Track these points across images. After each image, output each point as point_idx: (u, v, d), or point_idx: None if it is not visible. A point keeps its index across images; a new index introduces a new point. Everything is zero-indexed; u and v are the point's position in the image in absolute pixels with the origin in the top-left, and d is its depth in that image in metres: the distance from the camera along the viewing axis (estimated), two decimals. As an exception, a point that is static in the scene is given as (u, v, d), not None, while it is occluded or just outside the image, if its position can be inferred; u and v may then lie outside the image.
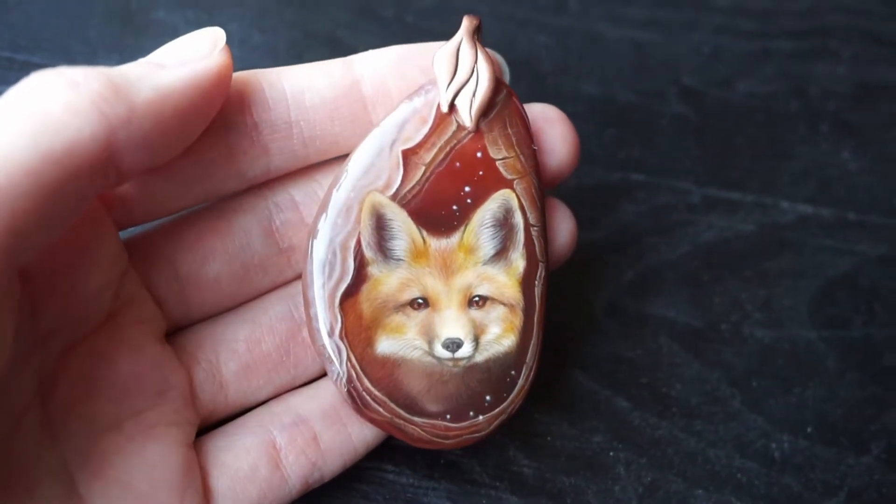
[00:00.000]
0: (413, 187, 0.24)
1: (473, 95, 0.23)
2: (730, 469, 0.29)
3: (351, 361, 0.24)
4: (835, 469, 0.29)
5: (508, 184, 0.24)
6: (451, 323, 0.24)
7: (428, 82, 0.24)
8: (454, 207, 0.24)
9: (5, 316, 0.18)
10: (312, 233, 0.24)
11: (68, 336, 0.22)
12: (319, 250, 0.24)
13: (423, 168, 0.24)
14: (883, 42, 0.38)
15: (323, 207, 0.24)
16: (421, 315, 0.24)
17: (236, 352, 0.25)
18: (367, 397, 0.24)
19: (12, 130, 0.18)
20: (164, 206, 0.24)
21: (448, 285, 0.24)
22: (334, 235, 0.24)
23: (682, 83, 0.36)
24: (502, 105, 0.24)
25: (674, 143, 0.35)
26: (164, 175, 0.23)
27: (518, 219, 0.24)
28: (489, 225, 0.24)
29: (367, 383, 0.24)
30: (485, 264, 0.24)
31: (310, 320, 0.24)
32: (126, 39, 0.34)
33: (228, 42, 0.22)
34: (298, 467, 0.25)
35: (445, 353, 0.24)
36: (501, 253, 0.24)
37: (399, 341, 0.24)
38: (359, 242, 0.24)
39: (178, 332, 0.25)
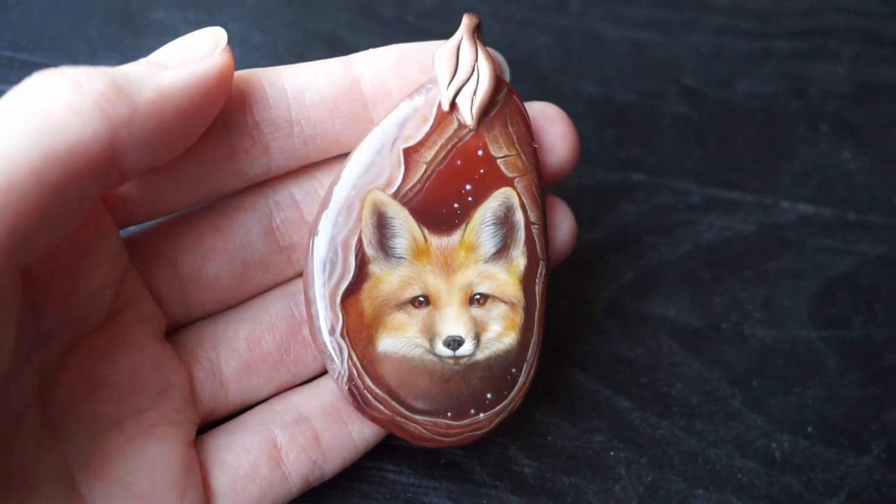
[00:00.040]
0: (414, 185, 0.24)
1: (474, 94, 0.24)
2: (730, 469, 0.29)
3: (352, 359, 0.24)
4: (835, 469, 0.29)
5: (509, 182, 0.24)
6: (453, 321, 0.24)
7: (428, 81, 0.24)
8: (455, 205, 0.24)
9: (7, 316, 0.18)
10: (313, 231, 0.24)
11: (69, 335, 0.22)
12: (320, 248, 0.24)
13: (425, 166, 0.24)
14: (883, 42, 0.38)
15: (324, 206, 0.24)
16: (422, 313, 0.24)
17: (237, 350, 0.25)
18: (369, 395, 0.24)
19: (15, 130, 0.18)
20: (165, 205, 0.24)
21: (449, 283, 0.24)
22: (336, 234, 0.24)
23: (683, 83, 0.36)
24: (503, 103, 0.24)
25: (674, 142, 0.35)
26: (165, 174, 0.23)
27: (519, 217, 0.24)
28: (490, 223, 0.24)
29: (368, 381, 0.24)
30: (486, 262, 0.24)
31: (311, 318, 0.24)
32: (126, 39, 0.34)
33: (229, 42, 0.22)
34: (299, 466, 0.25)
35: (446, 351, 0.24)
36: (502, 251, 0.24)
37: (400, 339, 0.24)
38: (360, 241, 0.24)
39: (179, 330, 0.25)
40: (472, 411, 0.24)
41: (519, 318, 0.25)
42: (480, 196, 0.24)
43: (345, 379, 0.24)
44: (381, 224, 0.24)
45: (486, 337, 0.24)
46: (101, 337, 0.23)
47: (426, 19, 0.36)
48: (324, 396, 0.25)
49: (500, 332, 0.24)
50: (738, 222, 0.34)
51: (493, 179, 0.24)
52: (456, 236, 0.24)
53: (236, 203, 0.25)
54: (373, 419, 0.24)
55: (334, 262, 0.24)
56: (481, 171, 0.24)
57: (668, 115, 0.36)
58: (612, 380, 0.30)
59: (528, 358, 0.25)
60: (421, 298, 0.24)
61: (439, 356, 0.24)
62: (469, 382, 0.24)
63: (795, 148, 0.36)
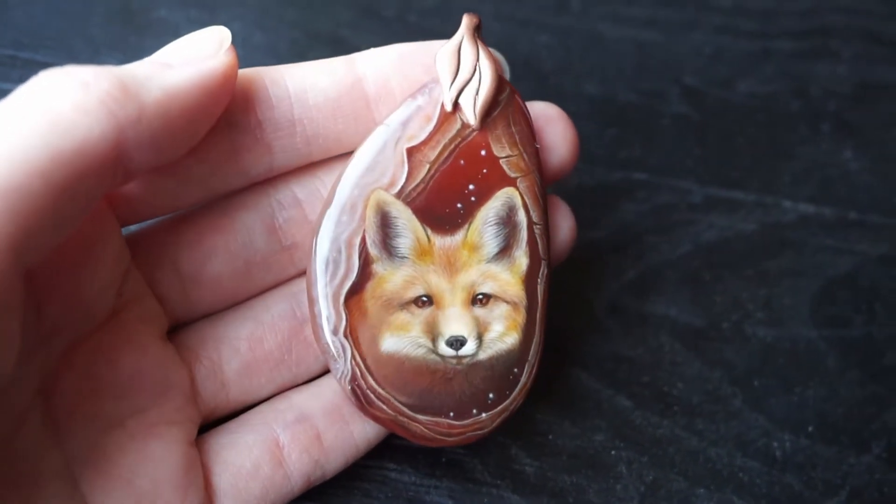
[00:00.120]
0: (418, 185, 0.24)
1: (477, 93, 0.24)
2: (731, 468, 0.29)
3: (355, 359, 0.24)
4: (836, 468, 0.29)
5: (512, 182, 0.24)
6: (455, 321, 0.24)
7: (431, 80, 0.24)
8: (458, 205, 0.24)
9: (13, 315, 0.18)
10: (317, 230, 0.24)
11: (71, 334, 0.22)
12: (324, 248, 0.24)
13: (428, 166, 0.24)
14: (883, 42, 0.38)
15: (327, 205, 0.24)
16: (425, 313, 0.24)
17: (238, 350, 0.25)
18: (371, 395, 0.24)
19: (23, 130, 0.18)
20: (168, 204, 0.24)
21: (452, 283, 0.24)
22: (339, 233, 0.24)
23: (684, 83, 0.36)
24: (505, 103, 0.24)
25: (675, 142, 0.35)
26: (168, 173, 0.23)
27: (521, 217, 0.24)
28: (493, 223, 0.24)
29: (371, 381, 0.24)
30: (488, 262, 0.24)
31: (314, 318, 0.24)
32: (128, 38, 0.34)
33: (230, 41, 0.22)
34: (301, 465, 0.25)
35: (449, 351, 0.24)
36: (505, 251, 0.24)
37: (403, 339, 0.24)
38: (363, 240, 0.24)
39: (180, 329, 0.25)
40: (475, 411, 0.25)
41: (521, 317, 0.25)
42: (483, 196, 0.24)
43: (348, 378, 0.24)
44: (385, 224, 0.24)
45: (488, 337, 0.24)
46: (103, 336, 0.23)
47: (427, 19, 0.36)
48: (326, 396, 0.25)
49: (502, 332, 0.25)
50: (738, 222, 0.34)
51: (496, 179, 0.24)
52: (459, 236, 0.24)
53: (238, 202, 0.25)
54: (375, 419, 0.24)
55: (338, 262, 0.24)
56: (484, 170, 0.24)
57: (668, 114, 0.36)
58: (613, 379, 0.30)
59: (529, 357, 0.25)
60: (424, 298, 0.24)
61: (442, 356, 0.24)
62: (471, 382, 0.24)
63: (796, 148, 0.36)
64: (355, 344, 0.24)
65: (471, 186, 0.24)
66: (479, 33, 0.24)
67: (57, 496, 0.21)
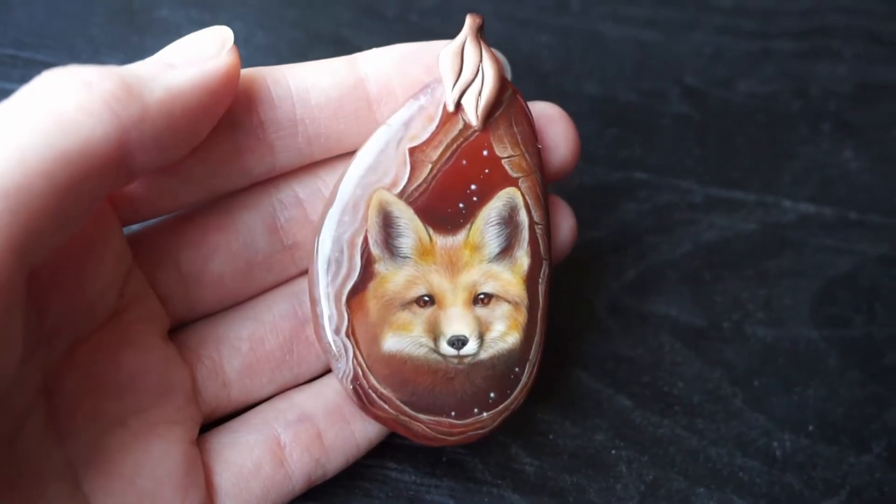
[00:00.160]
0: (420, 185, 0.24)
1: (479, 94, 0.24)
2: (731, 467, 0.29)
3: (357, 359, 0.24)
4: (836, 467, 0.29)
5: (514, 182, 0.24)
6: (457, 320, 0.24)
7: (433, 80, 0.24)
8: (460, 205, 0.24)
9: (16, 316, 0.18)
10: (319, 230, 0.24)
11: (73, 334, 0.22)
12: (326, 248, 0.24)
13: (430, 166, 0.24)
14: (883, 42, 0.38)
15: (329, 204, 0.24)
16: (427, 312, 0.24)
17: (239, 350, 0.25)
18: (373, 394, 0.24)
19: (27, 131, 0.18)
20: (169, 204, 0.24)
21: (454, 283, 0.24)
22: (341, 233, 0.24)
23: (684, 83, 0.36)
24: (508, 104, 0.24)
25: (675, 142, 0.35)
26: (170, 172, 0.23)
27: (523, 217, 0.24)
28: (494, 223, 0.24)
29: (372, 380, 0.24)
30: (490, 262, 0.24)
31: (316, 317, 0.24)
32: (129, 37, 0.34)
33: (231, 41, 0.22)
34: (302, 464, 0.25)
35: (451, 351, 0.24)
36: (507, 251, 0.24)
37: (405, 339, 0.24)
38: (366, 240, 0.24)
39: (182, 329, 0.25)
40: (476, 410, 0.25)
41: (522, 317, 0.25)
42: (485, 196, 0.24)
43: (349, 378, 0.24)
44: (387, 223, 0.24)
45: (489, 336, 0.24)
46: (105, 335, 0.23)
47: (428, 18, 0.36)
48: (327, 395, 0.25)
49: (503, 332, 0.25)
50: (739, 222, 0.34)
51: (497, 179, 0.24)
52: (461, 236, 0.24)
53: (240, 202, 0.25)
54: (377, 418, 0.24)
55: (340, 262, 0.24)
56: (486, 171, 0.24)
57: (669, 114, 0.36)
58: (614, 379, 0.30)
59: (530, 357, 0.25)
60: (426, 298, 0.24)
61: (443, 355, 0.24)
62: (473, 381, 0.24)
63: (796, 148, 0.36)
64: (357, 343, 0.24)
65: (473, 186, 0.24)
66: (481, 34, 0.24)
67: (59, 496, 0.21)
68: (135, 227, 0.25)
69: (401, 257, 0.24)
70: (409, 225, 0.24)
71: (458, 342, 0.24)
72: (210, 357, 0.25)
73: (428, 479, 0.28)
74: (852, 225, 0.34)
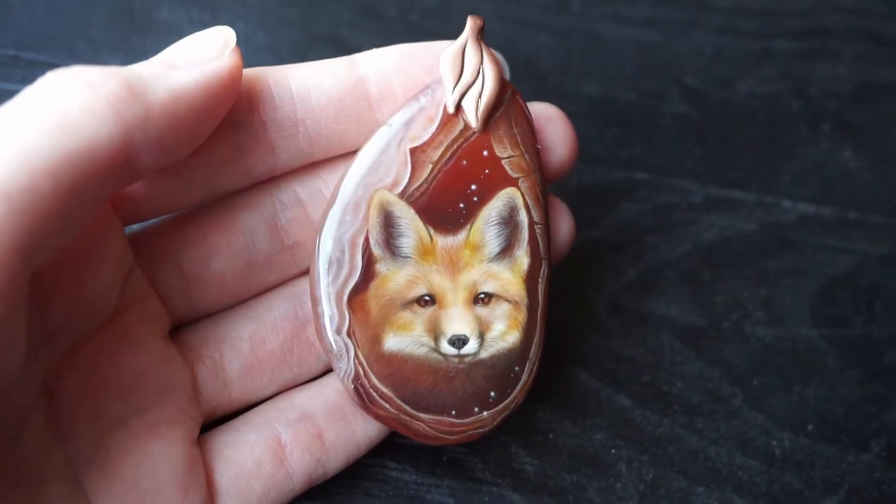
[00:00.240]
0: (420, 185, 0.24)
1: (479, 97, 0.24)
2: (731, 467, 0.29)
3: (358, 358, 0.24)
4: (835, 467, 0.29)
5: (513, 182, 0.24)
6: (457, 320, 0.24)
7: (434, 81, 0.24)
8: (461, 205, 0.24)
9: (20, 317, 0.18)
10: (320, 230, 0.24)
11: (74, 334, 0.22)
12: (327, 248, 0.24)
13: (431, 166, 0.24)
14: (883, 42, 0.38)
15: (331, 204, 0.24)
16: (428, 312, 0.24)
17: (240, 350, 0.25)
18: (374, 394, 0.24)
19: (31, 132, 0.18)
20: (171, 204, 0.24)
21: (454, 282, 0.24)
22: (343, 233, 0.24)
23: (684, 83, 0.36)
24: (507, 105, 0.24)
25: (675, 142, 0.35)
26: (171, 173, 0.23)
27: (523, 216, 0.24)
28: (495, 223, 0.24)
29: (374, 380, 0.24)
30: (490, 261, 0.24)
31: (317, 317, 0.24)
32: (130, 38, 0.34)
33: (232, 41, 0.22)
34: (303, 464, 0.25)
35: (451, 350, 0.24)
36: (507, 250, 0.25)
37: (406, 338, 0.24)
38: (367, 240, 0.24)
39: (183, 329, 0.25)
40: (476, 409, 0.25)
41: (522, 316, 0.25)
42: (485, 196, 0.24)
43: (350, 377, 0.24)
44: (388, 223, 0.24)
45: (490, 336, 0.24)
46: (106, 335, 0.23)
47: (428, 18, 0.36)
48: (328, 395, 0.25)
49: (503, 331, 0.25)
50: (739, 221, 0.34)
51: (498, 179, 0.24)
52: (461, 236, 0.24)
53: (241, 202, 0.25)
54: (378, 417, 0.24)
55: (341, 262, 0.24)
56: (486, 171, 0.24)
57: (669, 114, 0.36)
58: (614, 378, 0.30)
59: (530, 356, 0.25)
60: (426, 297, 0.24)
61: (444, 355, 0.24)
62: (473, 381, 0.24)
63: (796, 147, 0.36)
64: (358, 343, 0.24)
65: (473, 186, 0.24)
66: (482, 36, 0.24)
67: (59, 495, 0.21)
68: (136, 226, 0.25)
69: (402, 257, 0.24)
70: (410, 225, 0.24)
71: (459, 341, 0.24)
72: (211, 357, 0.25)
73: (428, 478, 0.28)
74: (852, 225, 0.34)
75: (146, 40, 0.34)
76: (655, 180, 0.34)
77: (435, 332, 0.24)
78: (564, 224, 0.27)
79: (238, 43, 0.22)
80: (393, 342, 0.24)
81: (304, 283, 0.26)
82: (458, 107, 0.24)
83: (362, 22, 0.36)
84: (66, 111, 0.18)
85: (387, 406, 0.24)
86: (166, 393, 0.24)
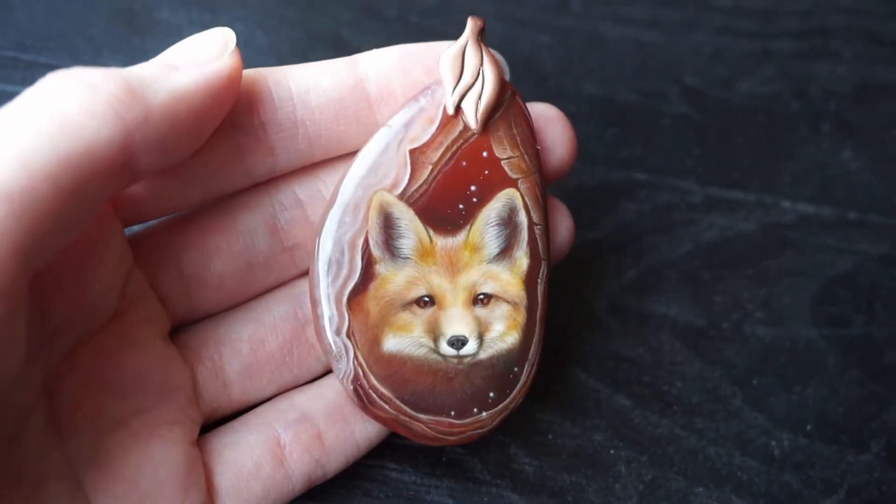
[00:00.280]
0: (420, 186, 0.24)
1: (479, 98, 0.24)
2: (730, 467, 0.29)
3: (358, 359, 0.24)
4: (835, 467, 0.29)
5: (513, 183, 0.24)
6: (457, 321, 0.24)
7: (433, 82, 0.24)
8: (460, 206, 0.24)
9: (20, 318, 0.18)
10: (319, 231, 0.24)
11: (74, 335, 0.22)
12: (327, 249, 0.24)
13: (430, 167, 0.24)
14: (883, 42, 0.38)
15: (330, 206, 0.24)
16: (427, 313, 0.24)
17: (240, 351, 0.25)
18: (374, 395, 0.24)
19: (31, 133, 0.18)
20: (170, 205, 0.24)
21: (454, 283, 0.24)
22: (342, 234, 0.24)
23: (684, 83, 0.36)
24: (507, 106, 0.24)
25: (675, 142, 0.35)
26: (171, 174, 0.23)
27: (522, 217, 0.24)
28: (494, 223, 0.24)
29: (373, 381, 0.24)
30: (490, 262, 0.24)
31: (316, 318, 0.24)
32: (130, 39, 0.34)
33: (232, 42, 0.22)
34: (302, 464, 0.25)
35: (450, 351, 0.24)
36: (506, 251, 0.25)
37: (405, 339, 0.24)
38: (366, 241, 0.24)
39: (183, 330, 0.25)
40: (475, 410, 0.25)
41: (521, 317, 0.25)
42: (485, 197, 0.24)
43: (350, 378, 0.24)
44: (388, 225, 0.24)
45: (489, 336, 0.25)
46: (106, 336, 0.23)
47: (428, 19, 0.36)
48: (327, 396, 0.25)
49: (502, 332, 0.25)
50: (739, 222, 0.34)
51: (497, 180, 0.24)
52: (461, 237, 0.24)
53: (240, 203, 0.25)
54: (377, 418, 0.24)
55: (340, 263, 0.24)
56: (486, 172, 0.24)
57: (669, 114, 0.36)
58: (613, 378, 0.30)
59: (529, 357, 0.25)
60: (426, 298, 0.24)
61: (443, 355, 0.24)
62: (472, 381, 0.24)
63: (796, 148, 0.36)
64: (357, 344, 0.24)
65: (472, 188, 0.24)
66: (482, 37, 0.24)
67: (59, 496, 0.21)
68: (136, 228, 0.25)
69: (401, 258, 0.24)
70: (410, 226, 0.24)
71: (458, 342, 0.24)
72: (211, 358, 0.25)
73: (428, 478, 0.28)
74: (852, 225, 0.34)
75: (147, 41, 0.34)
76: (655, 180, 0.34)
77: (434, 333, 0.24)
78: (564, 225, 0.27)
79: (238, 44, 0.22)
80: (392, 343, 0.24)
81: (303, 285, 0.26)
82: (458, 108, 0.24)
83: (362, 22, 0.36)
84: (66, 113, 0.18)
85: (386, 407, 0.24)
86: (166, 394, 0.24)
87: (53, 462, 0.21)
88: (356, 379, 0.24)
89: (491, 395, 0.25)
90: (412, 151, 0.24)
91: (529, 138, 0.25)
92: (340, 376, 0.24)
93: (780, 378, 0.31)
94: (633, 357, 0.31)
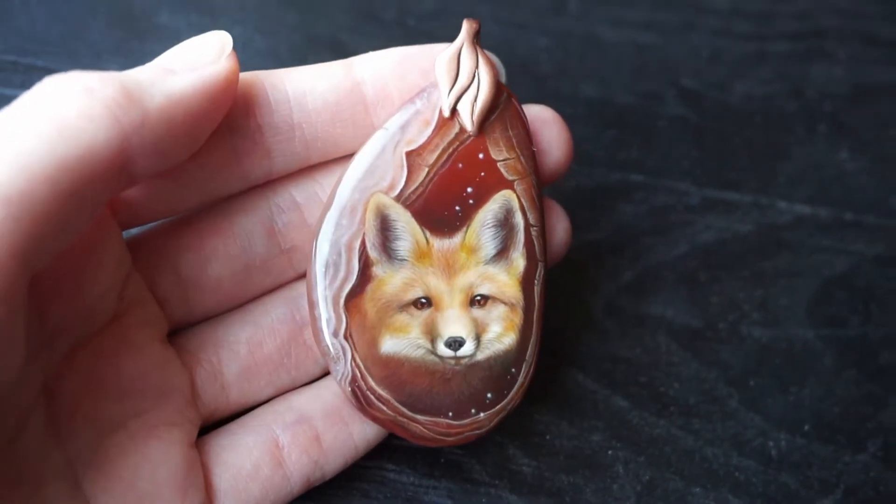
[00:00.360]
0: (417, 188, 0.24)
1: (475, 100, 0.24)
2: (727, 467, 0.29)
3: (355, 361, 0.24)
4: (832, 467, 0.29)
5: (509, 185, 0.24)
6: (454, 322, 0.24)
7: (429, 84, 0.24)
8: (457, 208, 0.24)
9: (19, 320, 0.18)
10: (316, 234, 0.24)
11: (73, 337, 0.22)
12: (324, 251, 0.24)
13: (427, 169, 0.24)
14: (878, 43, 0.38)
15: (327, 208, 0.24)
16: (424, 314, 0.24)
17: (238, 353, 0.25)
18: (371, 396, 0.24)
19: (29, 137, 0.18)
20: (168, 208, 0.24)
21: (450, 285, 0.24)
22: (339, 236, 0.24)
23: (681, 85, 0.37)
24: (503, 107, 0.24)
25: (672, 144, 0.35)
26: (168, 177, 0.23)
27: (518, 219, 0.25)
28: (490, 225, 0.24)
29: (371, 382, 0.24)
30: (486, 264, 0.25)
31: (314, 320, 0.24)
32: (130, 43, 0.34)
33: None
34: (300, 466, 0.25)
35: (448, 352, 0.24)
36: (502, 253, 0.25)
37: (403, 340, 0.24)
38: (363, 243, 0.24)
39: (181, 332, 0.25)
40: (473, 411, 0.25)
41: (518, 318, 0.25)
42: (481, 199, 0.24)
43: (348, 380, 0.24)
44: (385, 227, 0.24)
45: (486, 337, 0.25)
46: (105, 339, 0.23)
47: (426, 22, 0.36)
48: (325, 397, 0.26)
49: (500, 333, 0.25)
50: (735, 223, 0.34)
51: (493, 182, 0.24)
52: (457, 238, 0.24)
53: (237, 206, 0.25)
54: (375, 419, 0.24)
55: (338, 265, 0.24)
56: (482, 174, 0.24)
57: (666, 116, 0.36)
58: (610, 379, 0.30)
59: (527, 358, 0.25)
60: (423, 300, 0.24)
61: (441, 357, 0.24)
62: (470, 382, 0.25)
63: (792, 149, 0.36)
64: (355, 346, 0.24)
65: (469, 189, 0.24)
66: (478, 39, 0.24)
67: (59, 497, 0.21)
68: (133, 231, 0.25)
69: (398, 260, 0.24)
70: (407, 228, 0.24)
71: (455, 343, 0.24)
72: (209, 360, 0.25)
73: (426, 480, 0.28)
74: (848, 226, 0.34)
75: (146, 45, 0.34)
76: (652, 182, 0.34)
77: (431, 335, 0.24)
78: (560, 226, 0.27)
79: (236, 47, 0.22)
80: (390, 345, 0.24)
81: (301, 287, 0.26)
82: (454, 110, 0.24)
83: (360, 26, 0.36)
84: (64, 116, 0.19)
85: (384, 408, 0.24)
86: (164, 396, 0.24)
87: (53, 462, 0.21)
88: (354, 380, 0.24)
89: (488, 396, 0.25)
90: (408, 154, 0.24)
91: (525, 140, 0.25)
92: (338, 378, 0.24)
93: (776, 378, 0.31)
94: (630, 358, 0.31)
